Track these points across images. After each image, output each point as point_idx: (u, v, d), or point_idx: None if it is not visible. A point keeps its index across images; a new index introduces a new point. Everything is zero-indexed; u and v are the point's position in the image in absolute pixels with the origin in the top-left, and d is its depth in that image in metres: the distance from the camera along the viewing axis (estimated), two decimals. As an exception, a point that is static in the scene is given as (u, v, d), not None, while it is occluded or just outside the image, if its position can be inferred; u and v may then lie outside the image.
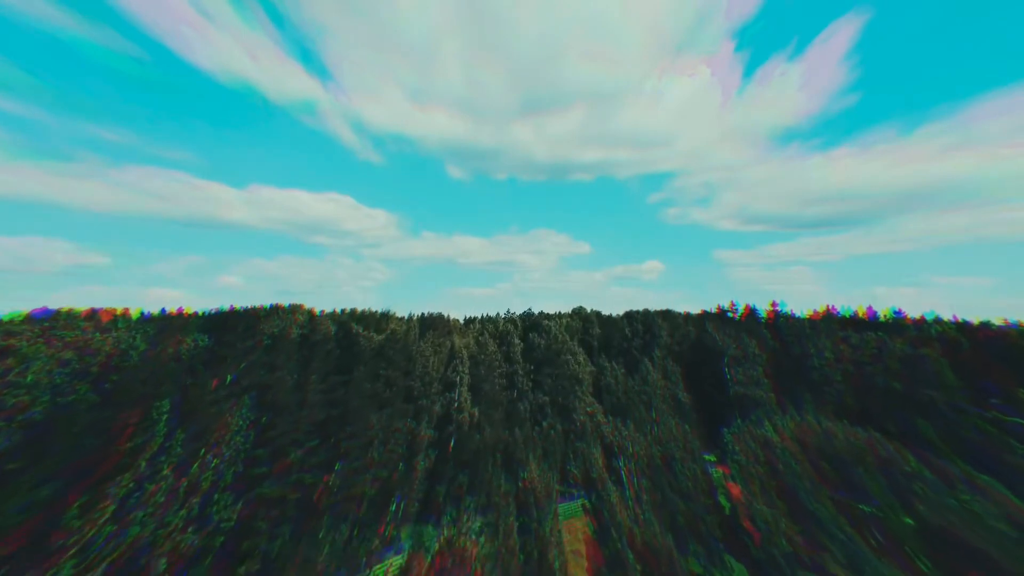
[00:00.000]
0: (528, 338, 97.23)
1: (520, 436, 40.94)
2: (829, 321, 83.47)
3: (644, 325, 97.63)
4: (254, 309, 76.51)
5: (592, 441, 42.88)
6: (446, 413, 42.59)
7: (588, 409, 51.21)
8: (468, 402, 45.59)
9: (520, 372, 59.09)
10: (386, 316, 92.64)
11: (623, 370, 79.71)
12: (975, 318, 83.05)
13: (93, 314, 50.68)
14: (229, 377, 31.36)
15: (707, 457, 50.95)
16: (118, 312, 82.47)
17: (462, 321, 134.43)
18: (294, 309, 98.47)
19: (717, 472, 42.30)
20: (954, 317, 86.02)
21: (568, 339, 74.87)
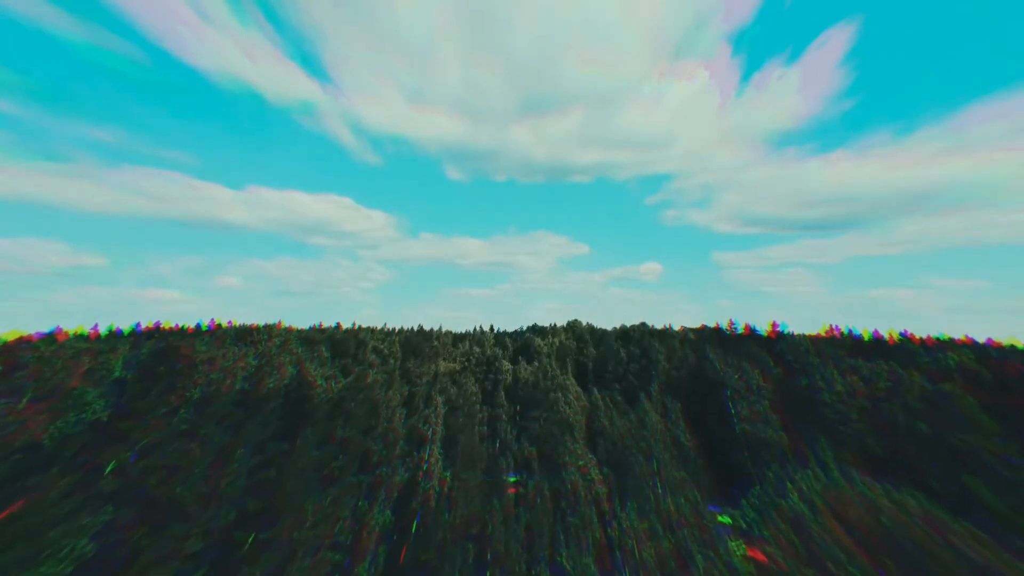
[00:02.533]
0: (517, 363, 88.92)
1: (499, 511, 32.35)
2: (834, 345, 76.00)
3: (640, 348, 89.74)
4: (213, 331, 67.06)
5: (586, 513, 34.26)
6: (411, 481, 34.03)
7: (580, 463, 42.75)
8: (439, 464, 37.05)
9: (504, 416, 50.74)
10: (363, 344, 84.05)
11: (620, 398, 71.65)
12: (995, 339, 75.80)
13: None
14: (112, 464, 22.77)
15: (721, 519, 42.43)
16: (72, 335, 72.79)
17: (453, 335, 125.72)
18: (270, 331, 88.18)
19: (738, 550, 33.61)
20: (968, 339, 78.82)
21: (559, 372, 66.68)
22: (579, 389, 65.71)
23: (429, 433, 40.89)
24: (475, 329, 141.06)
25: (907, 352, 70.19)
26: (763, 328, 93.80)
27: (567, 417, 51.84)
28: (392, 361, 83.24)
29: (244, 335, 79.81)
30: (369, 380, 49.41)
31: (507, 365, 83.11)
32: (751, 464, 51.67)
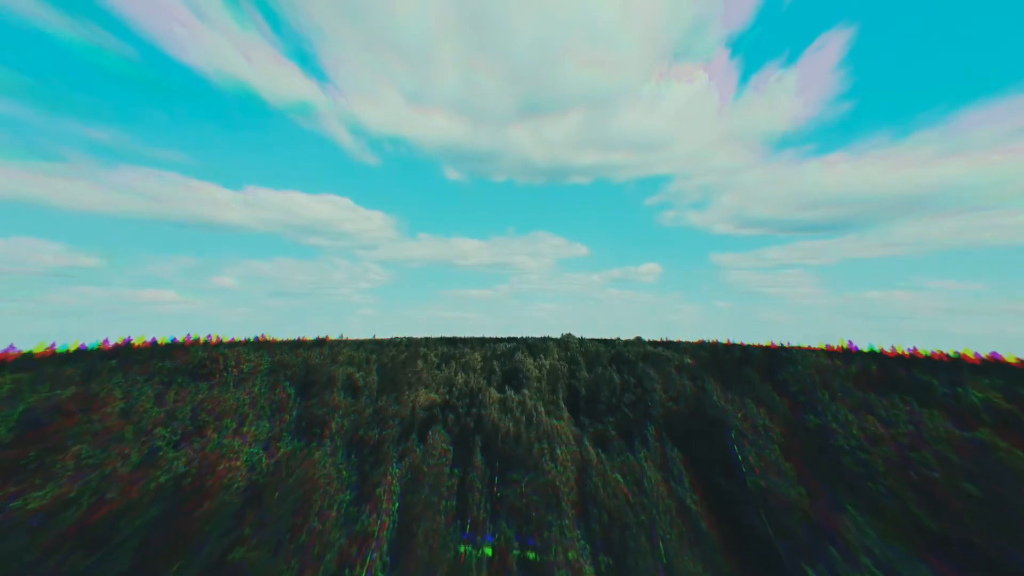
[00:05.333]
0: (504, 391, 77.84)
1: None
2: (839, 376, 66.00)
3: (635, 376, 78.97)
4: (188, 346, 53.45)
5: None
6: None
7: (570, 555, 31.78)
8: (383, 585, 25.81)
9: (478, 485, 39.71)
10: (332, 380, 72.11)
11: (614, 432, 61.07)
12: (1009, 355, 66.43)
13: None
14: None
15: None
16: (25, 354, 60.25)
17: (444, 349, 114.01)
18: (239, 357, 72.50)
19: None
20: (976, 358, 69.15)
21: (544, 413, 55.85)
22: (570, 432, 54.81)
23: (376, 527, 29.67)
24: (469, 336, 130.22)
25: (922, 384, 60.35)
26: (763, 342, 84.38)
27: (553, 479, 40.87)
28: (366, 394, 71.52)
29: (207, 364, 66.82)
30: (298, 458, 38.15)
31: (494, 395, 72.09)
32: (774, 535, 41.34)
